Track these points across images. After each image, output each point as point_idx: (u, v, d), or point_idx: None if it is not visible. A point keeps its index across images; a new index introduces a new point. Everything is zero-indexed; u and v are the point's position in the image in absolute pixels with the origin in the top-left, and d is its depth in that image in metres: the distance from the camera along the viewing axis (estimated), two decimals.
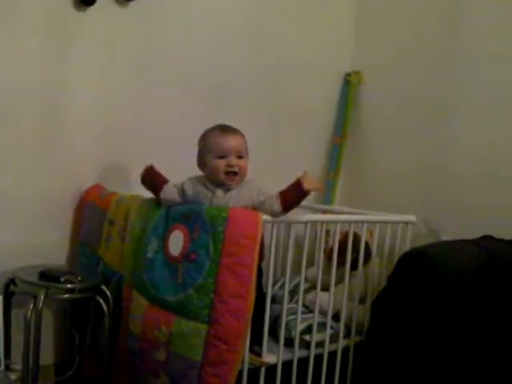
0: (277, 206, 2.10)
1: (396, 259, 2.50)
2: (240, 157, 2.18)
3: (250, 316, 1.96)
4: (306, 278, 2.41)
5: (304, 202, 3.04)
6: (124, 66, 2.68)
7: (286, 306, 2.26)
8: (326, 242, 2.54)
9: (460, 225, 2.76)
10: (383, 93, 3.31)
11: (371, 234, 2.58)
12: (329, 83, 3.39)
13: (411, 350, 2.19)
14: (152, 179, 2.22)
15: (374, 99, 3.36)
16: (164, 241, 2.11)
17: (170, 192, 2.18)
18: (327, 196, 3.37)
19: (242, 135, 2.23)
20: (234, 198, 2.13)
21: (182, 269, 2.02)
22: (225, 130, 2.22)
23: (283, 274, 2.67)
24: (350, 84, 3.39)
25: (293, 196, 2.12)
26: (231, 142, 2.18)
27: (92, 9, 2.54)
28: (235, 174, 2.16)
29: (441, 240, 2.73)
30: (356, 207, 2.96)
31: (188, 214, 2.07)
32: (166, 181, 2.21)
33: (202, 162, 2.23)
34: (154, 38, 2.75)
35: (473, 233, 2.48)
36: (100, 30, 2.59)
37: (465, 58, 2.92)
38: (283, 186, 2.98)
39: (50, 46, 2.50)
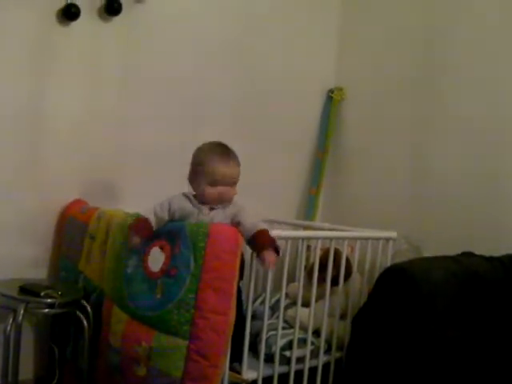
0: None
1: (377, 275, 2.51)
2: (233, 183, 2.17)
3: (230, 332, 1.95)
4: (286, 294, 2.42)
5: (285, 218, 3.10)
6: (108, 81, 2.70)
7: (266, 321, 2.26)
8: (307, 258, 2.55)
9: (441, 241, 2.78)
10: (365, 109, 3.36)
11: (352, 250, 2.59)
12: (312, 99, 3.43)
13: (390, 367, 2.19)
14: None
15: (356, 115, 3.41)
16: (144, 256, 2.10)
17: (159, 213, 2.13)
18: (309, 211, 3.39)
19: (238, 161, 2.20)
20: (219, 216, 2.13)
21: (162, 284, 2.01)
22: (224, 156, 2.16)
23: (264, 290, 2.67)
24: (332, 100, 3.42)
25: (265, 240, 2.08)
26: (230, 171, 2.15)
27: (75, 24, 2.56)
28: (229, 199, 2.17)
29: (421, 256, 2.74)
30: (337, 223, 2.98)
31: (170, 231, 2.07)
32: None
33: (193, 180, 2.21)
34: (138, 53, 2.77)
35: (454, 249, 2.48)
36: (84, 45, 2.62)
37: (449, 74, 2.96)
38: (265, 201, 3.03)
39: (34, 61, 2.52)
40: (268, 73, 3.21)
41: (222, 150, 2.19)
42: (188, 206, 2.15)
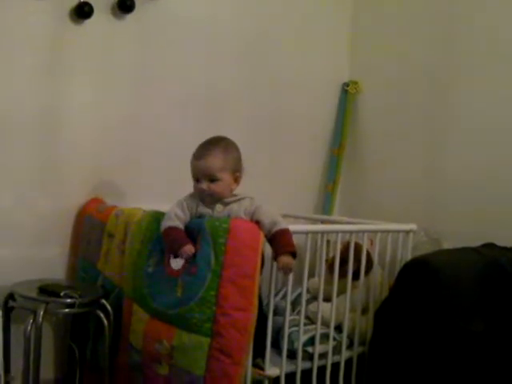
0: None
1: (397, 268, 2.51)
2: (212, 180, 2.09)
3: (253, 328, 1.93)
4: (307, 289, 2.39)
5: (303, 213, 3.08)
6: (122, 79, 2.68)
7: (288, 317, 2.23)
8: (327, 252, 2.52)
9: (461, 233, 2.74)
10: (381, 102, 3.31)
11: (372, 243, 2.56)
12: (326, 93, 3.39)
13: (414, 360, 2.17)
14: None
15: (372, 109, 3.36)
16: (165, 255, 2.08)
17: (182, 215, 2.09)
18: (326, 206, 3.36)
19: (220, 153, 2.09)
20: (234, 211, 2.09)
21: (182, 282, 1.99)
22: (198, 151, 2.12)
23: (283, 285, 2.65)
24: (347, 94, 3.39)
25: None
26: (200, 165, 2.08)
27: (89, 22, 2.53)
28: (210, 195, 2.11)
29: (442, 248, 2.71)
30: (355, 217, 2.95)
31: (191, 229, 2.05)
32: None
33: None
34: (152, 51, 2.75)
35: (474, 241, 2.46)
36: (97, 43, 2.59)
37: (464, 66, 2.92)
38: (282, 197, 3.01)
39: (47, 60, 2.50)
40: (281, 68, 3.17)
41: (203, 143, 2.14)
42: (201, 206, 2.12)
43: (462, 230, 2.76)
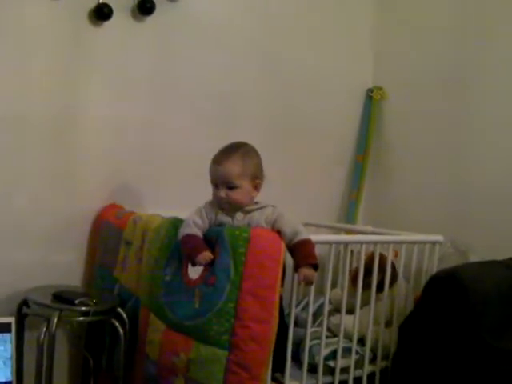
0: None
1: (423, 281, 2.45)
2: (230, 187, 2.01)
3: (273, 342, 1.86)
4: (328, 301, 2.31)
5: (325, 221, 3.00)
6: (140, 82, 2.63)
7: (309, 329, 2.16)
8: (350, 262, 2.44)
9: (488, 245, 2.64)
10: (407, 108, 3.22)
11: (396, 254, 2.48)
12: (350, 100, 3.32)
13: (439, 377, 2.09)
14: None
15: (397, 115, 3.28)
16: (183, 264, 2.02)
17: (201, 223, 2.02)
18: (349, 215, 3.28)
19: (239, 159, 2.01)
20: (255, 220, 2.01)
21: (200, 293, 1.92)
22: (217, 156, 2.04)
23: (304, 295, 2.57)
24: (372, 100, 3.31)
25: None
26: (218, 171, 2.01)
27: (108, 24, 2.49)
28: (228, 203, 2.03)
29: (469, 261, 2.63)
30: (379, 226, 2.87)
31: (209, 238, 1.98)
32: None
33: None
34: (171, 54, 2.69)
35: (502, 253, 2.36)
36: (116, 46, 2.55)
37: (493, 72, 2.83)
38: (305, 204, 2.94)
39: (64, 63, 2.46)
40: (304, 75, 3.10)
41: (223, 149, 2.07)
42: (220, 214, 2.04)
43: (490, 242, 2.66)
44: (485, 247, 2.62)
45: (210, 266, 1.92)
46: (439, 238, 2.53)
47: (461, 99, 2.95)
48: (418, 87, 3.15)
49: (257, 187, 2.06)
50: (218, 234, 1.94)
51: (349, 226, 3.05)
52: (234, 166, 2.00)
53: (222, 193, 2.01)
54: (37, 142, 2.41)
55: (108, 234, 2.45)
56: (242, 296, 1.84)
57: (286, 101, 3.05)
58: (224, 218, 2.02)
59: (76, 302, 2.10)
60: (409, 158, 3.19)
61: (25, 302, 2.22)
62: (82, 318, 2.12)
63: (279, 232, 1.97)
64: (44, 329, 2.04)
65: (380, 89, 3.31)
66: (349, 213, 3.29)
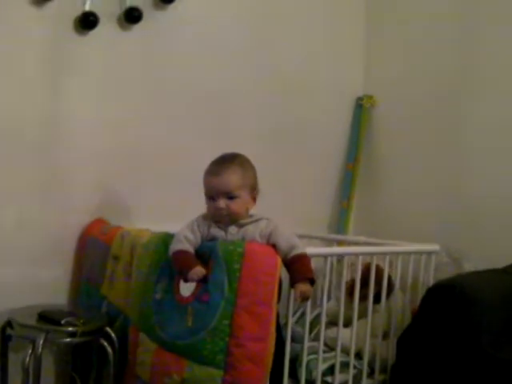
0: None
1: (420, 291, 2.41)
2: (230, 197, 1.94)
3: (270, 360, 1.78)
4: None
5: (316, 232, 2.94)
6: (127, 92, 2.56)
7: (306, 344, 2.09)
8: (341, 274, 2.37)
9: (483, 252, 2.60)
10: (397, 116, 3.18)
11: (391, 264, 2.42)
12: (340, 108, 3.27)
13: None
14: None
15: (387, 123, 3.24)
16: (174, 280, 1.94)
17: (193, 238, 1.95)
18: (340, 225, 3.22)
19: (238, 169, 1.96)
20: (250, 234, 1.94)
21: (193, 310, 1.85)
22: (214, 166, 1.98)
23: (298, 306, 2.51)
24: (362, 108, 3.26)
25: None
26: (217, 182, 1.94)
27: (93, 33, 2.42)
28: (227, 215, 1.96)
29: (463, 269, 2.58)
30: (371, 236, 2.82)
31: (202, 253, 1.90)
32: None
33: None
34: (159, 63, 2.63)
35: (497, 260, 2.32)
36: (102, 55, 2.48)
37: (480, 78, 2.80)
38: (295, 215, 2.87)
39: (50, 73, 2.38)
40: (293, 82, 3.05)
41: (218, 159, 2.00)
42: (212, 228, 1.96)
43: (484, 250, 2.62)
44: (479, 255, 2.59)
45: (202, 282, 1.85)
46: (435, 247, 2.48)
47: (451, 107, 2.91)
48: (408, 95, 3.12)
49: (254, 199, 2.00)
50: (212, 250, 1.86)
51: (341, 237, 3.00)
52: (234, 176, 1.95)
53: (222, 203, 1.93)
54: (21, 154, 2.33)
55: (94, 249, 2.36)
56: (237, 313, 1.78)
57: (275, 109, 2.99)
58: (217, 231, 1.95)
59: (62, 322, 2.01)
60: (400, 166, 3.15)
61: (9, 323, 2.12)
62: (68, 340, 2.03)
63: (274, 246, 1.90)
64: (29, 351, 1.96)
65: (370, 97, 3.27)
66: (339, 222, 3.23)
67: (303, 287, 1.84)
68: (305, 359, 2.09)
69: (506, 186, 2.66)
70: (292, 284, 1.87)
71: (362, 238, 2.79)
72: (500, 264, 2.31)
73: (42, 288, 2.35)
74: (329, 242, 2.90)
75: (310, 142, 3.13)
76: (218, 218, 1.95)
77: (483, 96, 2.77)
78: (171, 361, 1.87)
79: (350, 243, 2.79)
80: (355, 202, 3.27)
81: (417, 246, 2.45)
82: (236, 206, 1.94)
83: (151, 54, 2.60)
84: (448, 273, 2.54)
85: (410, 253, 2.40)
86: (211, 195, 1.95)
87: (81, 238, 2.46)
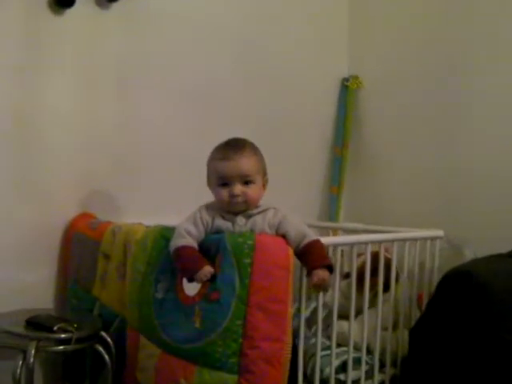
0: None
1: (425, 278, 2.33)
2: (247, 182, 1.81)
3: (288, 361, 1.65)
4: (325, 304, 2.10)
5: (307, 221, 2.80)
6: (108, 76, 2.42)
7: (319, 340, 1.95)
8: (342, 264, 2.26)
9: (482, 238, 2.51)
10: (385, 97, 3.08)
11: (387, 250, 2.30)
12: (325, 90, 3.16)
13: (456, 380, 1.93)
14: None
15: (375, 105, 3.13)
16: (176, 278, 1.79)
17: (196, 232, 1.78)
18: (331, 211, 3.10)
19: (252, 153, 1.83)
20: (258, 225, 1.79)
21: (200, 311, 1.70)
22: (225, 151, 1.81)
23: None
24: (348, 90, 3.14)
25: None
26: (232, 166, 1.78)
27: (70, 11, 2.27)
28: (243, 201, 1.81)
29: (464, 256, 2.51)
30: (363, 222, 2.71)
31: (207, 247, 1.75)
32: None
33: (208, 184, 1.88)
34: (139, 43, 2.49)
35: (498, 246, 2.21)
36: (79, 36, 2.33)
37: (470, 54, 2.70)
38: (284, 202, 2.71)
39: (23, 56, 2.21)
40: (278, 65, 2.93)
41: (228, 144, 1.84)
42: (217, 219, 1.81)
43: (484, 235, 2.54)
44: (479, 240, 2.50)
45: (209, 280, 1.70)
46: (439, 232, 2.38)
47: (442, 83, 2.81)
48: (395, 74, 3.02)
49: (265, 186, 1.88)
50: (219, 244, 1.71)
51: (337, 225, 2.89)
52: (252, 159, 1.82)
53: (237, 189, 1.78)
54: None
55: (82, 246, 2.20)
56: (251, 312, 1.64)
57: (260, 94, 2.88)
58: (223, 223, 1.79)
59: (55, 328, 1.84)
60: (390, 148, 3.05)
61: None
62: (62, 347, 1.87)
63: (284, 236, 1.76)
64: (20, 362, 1.78)
65: (356, 77, 3.15)
66: (331, 209, 3.11)
67: (322, 273, 1.70)
68: (319, 357, 1.95)
69: (508, 167, 2.57)
70: (309, 271, 1.74)
71: (360, 226, 2.66)
72: (502, 249, 2.21)
73: (25, 291, 2.20)
74: (320, 230, 2.77)
75: (296, 125, 3.02)
76: (233, 205, 1.80)
77: (477, 70, 2.68)
78: (178, 366, 1.73)
79: (346, 231, 2.67)
80: (345, 188, 3.15)
81: (422, 232, 2.34)
82: (252, 191, 1.80)
83: (132, 34, 2.46)
84: (448, 259, 2.45)
85: (416, 239, 2.29)
86: (225, 182, 1.79)
87: (65, 235, 2.29)
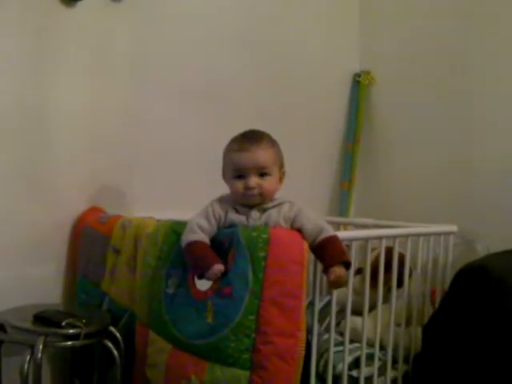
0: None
1: (439, 274, 2.33)
2: (262, 174, 1.77)
3: (301, 357, 1.61)
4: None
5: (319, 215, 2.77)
6: (117, 69, 2.37)
7: (333, 336, 1.92)
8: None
9: (495, 233, 2.52)
10: (397, 92, 3.07)
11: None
12: (337, 85, 3.15)
13: (471, 376, 1.91)
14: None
15: (387, 100, 3.12)
16: (188, 273, 1.76)
17: (208, 226, 1.75)
18: (342, 207, 3.08)
19: (269, 145, 1.79)
20: (273, 219, 1.75)
21: (213, 306, 1.66)
22: (242, 142, 1.77)
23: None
24: (359, 85, 3.12)
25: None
26: (249, 157, 1.74)
27: (81, 4, 2.21)
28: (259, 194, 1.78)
29: (476, 251, 2.52)
30: (373, 218, 2.66)
31: (220, 241, 1.72)
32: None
33: (224, 176, 1.85)
34: (150, 37, 2.44)
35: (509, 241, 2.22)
36: (91, 29, 2.27)
37: (483, 47, 2.70)
38: (294, 197, 2.70)
39: (32, 50, 2.15)
40: (288, 59, 2.91)
41: (245, 135, 1.80)
42: (230, 213, 1.78)
43: (496, 230, 2.54)
44: (491, 235, 2.51)
45: (220, 277, 1.67)
46: (453, 228, 2.36)
47: (454, 78, 2.81)
48: (407, 70, 3.00)
49: (281, 179, 1.83)
50: (232, 237, 1.68)
51: (347, 220, 2.86)
52: (267, 152, 1.77)
53: (253, 182, 1.74)
54: (2, 141, 2.10)
55: (91, 241, 2.16)
56: (264, 307, 1.60)
57: (272, 89, 2.85)
58: (236, 217, 1.76)
59: (63, 323, 1.81)
60: (402, 144, 3.04)
61: (1, 327, 1.90)
62: (70, 343, 1.82)
63: (300, 230, 1.73)
64: (28, 357, 1.75)
65: (368, 73, 3.13)
66: (341, 205, 3.08)
67: (339, 270, 1.67)
68: (331, 353, 1.92)
69: None
70: (325, 268, 1.69)
71: (371, 221, 2.62)
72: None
73: (33, 286, 2.15)
74: (332, 226, 2.73)
75: (307, 121, 2.99)
76: (248, 198, 1.76)
77: (490, 64, 2.67)
78: (189, 362, 1.69)
79: (357, 226, 2.64)
80: (356, 184, 3.13)
81: (435, 227, 2.31)
82: (268, 184, 1.76)
83: (144, 27, 2.41)
84: (461, 255, 2.43)
85: (430, 234, 2.26)
86: (240, 174, 1.76)
87: (74, 229, 2.25)
